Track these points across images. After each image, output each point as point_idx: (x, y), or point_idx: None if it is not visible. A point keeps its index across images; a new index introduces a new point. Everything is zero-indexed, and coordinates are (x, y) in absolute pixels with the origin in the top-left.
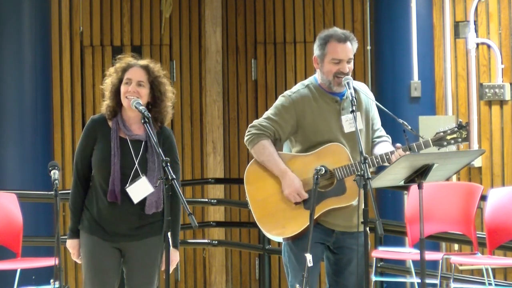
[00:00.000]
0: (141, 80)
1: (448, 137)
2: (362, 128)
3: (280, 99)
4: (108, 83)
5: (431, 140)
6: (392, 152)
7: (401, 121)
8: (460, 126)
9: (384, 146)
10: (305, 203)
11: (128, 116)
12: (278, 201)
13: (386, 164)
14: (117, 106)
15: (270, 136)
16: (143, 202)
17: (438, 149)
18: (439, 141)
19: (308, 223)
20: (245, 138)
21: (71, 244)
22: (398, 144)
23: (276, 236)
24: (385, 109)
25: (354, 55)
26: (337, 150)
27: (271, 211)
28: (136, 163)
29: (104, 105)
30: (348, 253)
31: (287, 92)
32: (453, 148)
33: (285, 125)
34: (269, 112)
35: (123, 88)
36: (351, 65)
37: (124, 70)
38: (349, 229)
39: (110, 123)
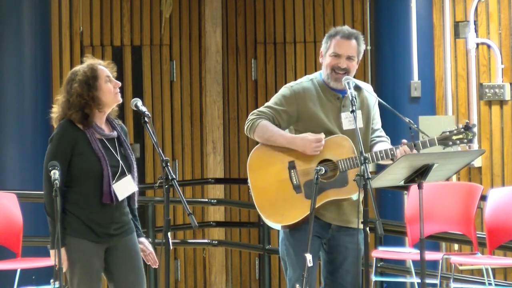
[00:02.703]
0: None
1: (454, 137)
2: (362, 127)
3: (283, 90)
4: (76, 88)
5: (436, 139)
6: (396, 148)
7: (407, 119)
8: (466, 127)
9: (383, 145)
10: (306, 193)
11: (100, 116)
12: (279, 189)
13: (389, 162)
14: (89, 108)
15: (269, 120)
16: (126, 198)
17: (443, 149)
18: (444, 140)
19: (306, 213)
20: (245, 127)
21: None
22: (404, 140)
23: (274, 223)
24: (391, 108)
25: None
26: (341, 142)
27: (271, 198)
28: (120, 161)
29: (74, 114)
30: (343, 252)
31: (290, 83)
32: (457, 148)
33: (284, 114)
34: (269, 101)
35: (109, 86)
36: (353, 63)
37: (95, 69)
38: (345, 223)
39: (80, 126)
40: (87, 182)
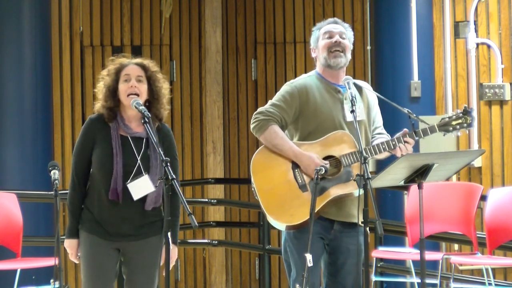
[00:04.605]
0: (139, 75)
1: (454, 123)
2: (364, 119)
3: (284, 88)
4: (101, 86)
5: (436, 125)
6: (399, 139)
7: (405, 110)
8: (465, 112)
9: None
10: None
11: (127, 114)
12: (286, 190)
13: (392, 152)
14: (115, 107)
15: (278, 122)
16: (142, 199)
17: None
18: (444, 126)
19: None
20: (252, 125)
21: (69, 244)
22: (405, 129)
23: (284, 223)
24: (389, 101)
25: (354, 55)
26: (343, 138)
27: (278, 199)
28: (139, 160)
29: (100, 107)
30: (344, 253)
31: (290, 81)
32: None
33: (290, 111)
34: (273, 99)
35: (123, 87)
36: (346, 42)
37: (119, 69)
38: (348, 218)
39: (107, 121)
40: (100, 177)
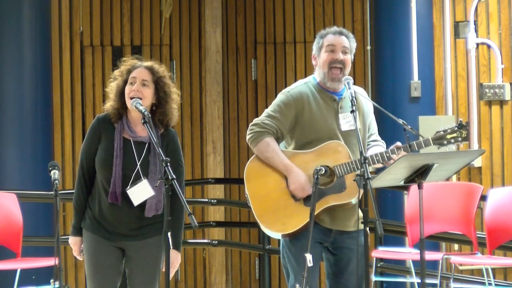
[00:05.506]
0: (145, 79)
1: (448, 136)
2: (360, 127)
3: (279, 97)
4: (113, 86)
5: (431, 138)
6: (392, 151)
7: (401, 121)
8: (460, 126)
9: (377, 149)
10: (306, 200)
11: (132, 117)
12: (279, 198)
13: (385, 164)
14: (121, 108)
15: (273, 134)
16: (143, 204)
17: (438, 148)
18: (439, 140)
19: (306, 221)
20: (248, 137)
21: (73, 241)
22: (399, 143)
23: (276, 232)
24: (384, 110)
25: (354, 55)
26: (337, 148)
27: (271, 207)
28: (138, 165)
29: (108, 106)
30: (347, 254)
31: (286, 89)
32: (453, 147)
33: (286, 122)
34: (269, 110)
35: (127, 89)
36: (347, 57)
37: (129, 71)
38: (346, 227)
39: (114, 122)
40: (100, 178)
